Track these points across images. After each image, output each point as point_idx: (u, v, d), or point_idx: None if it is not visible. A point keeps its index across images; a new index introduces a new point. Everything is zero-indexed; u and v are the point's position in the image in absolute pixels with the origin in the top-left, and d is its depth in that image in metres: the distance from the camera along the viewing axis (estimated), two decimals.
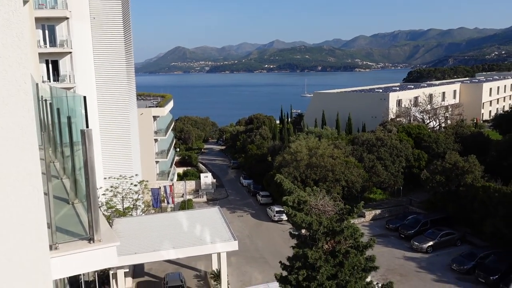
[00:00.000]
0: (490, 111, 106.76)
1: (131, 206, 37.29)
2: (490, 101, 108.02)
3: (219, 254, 29.22)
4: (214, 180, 63.71)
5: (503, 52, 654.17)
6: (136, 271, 33.38)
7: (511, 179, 39.88)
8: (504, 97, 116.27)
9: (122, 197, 37.12)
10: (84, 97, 4.33)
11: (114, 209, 34.97)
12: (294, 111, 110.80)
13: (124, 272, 28.39)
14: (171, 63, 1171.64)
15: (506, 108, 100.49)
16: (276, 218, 47.25)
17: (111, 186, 36.75)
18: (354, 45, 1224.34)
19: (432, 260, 36.63)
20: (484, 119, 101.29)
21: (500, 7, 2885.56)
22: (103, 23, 38.91)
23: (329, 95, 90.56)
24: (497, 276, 31.71)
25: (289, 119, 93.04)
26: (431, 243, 38.18)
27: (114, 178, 37.79)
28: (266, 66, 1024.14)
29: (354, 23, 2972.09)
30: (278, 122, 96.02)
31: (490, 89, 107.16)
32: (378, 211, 47.71)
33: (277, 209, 47.51)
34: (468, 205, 40.18)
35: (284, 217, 46.74)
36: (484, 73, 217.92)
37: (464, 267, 33.84)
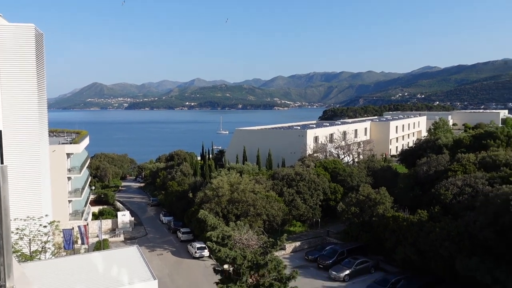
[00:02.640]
0: (396, 147, 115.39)
1: (40, 249, 34.44)
2: (397, 138, 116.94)
3: None
4: (132, 219, 61.29)
5: (406, 93, 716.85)
6: None
7: (417, 208, 42.90)
8: (408, 134, 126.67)
9: (30, 239, 34.23)
10: (0, 132, 4.08)
11: (19, 253, 32.06)
12: (216, 147, 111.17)
13: None
14: (87, 99, 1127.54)
15: (411, 144, 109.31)
16: (197, 255, 46.25)
17: (17, 229, 33.80)
18: (273, 84, 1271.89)
19: None
20: (392, 154, 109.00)
21: (402, 54, 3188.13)
22: (14, 55, 36.81)
23: (250, 132, 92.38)
24: None
25: (211, 155, 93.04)
26: (347, 271, 39.52)
27: (21, 219, 34.85)
28: (187, 103, 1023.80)
29: (273, 64, 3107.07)
30: (199, 158, 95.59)
31: (396, 127, 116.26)
32: (298, 243, 48.61)
33: (198, 245, 46.63)
34: (380, 234, 42.40)
35: (206, 253, 45.98)
36: (390, 112, 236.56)
37: None
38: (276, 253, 38.84)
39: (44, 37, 42.21)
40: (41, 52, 40.66)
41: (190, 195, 57.76)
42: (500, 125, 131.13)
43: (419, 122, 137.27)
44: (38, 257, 34.07)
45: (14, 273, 4.03)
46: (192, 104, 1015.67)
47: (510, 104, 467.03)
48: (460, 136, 73.90)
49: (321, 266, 42.12)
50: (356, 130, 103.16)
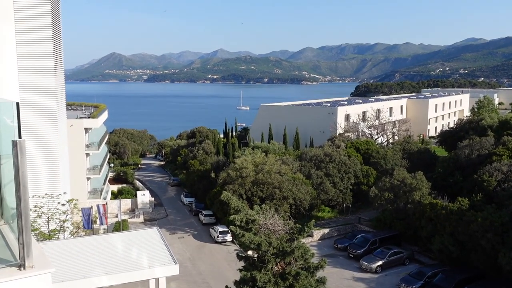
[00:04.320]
0: (436, 127, 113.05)
1: (58, 228, 35.49)
2: (436, 117, 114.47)
3: (157, 280, 28.40)
4: (152, 199, 62.37)
5: (447, 68, 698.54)
6: None
7: (457, 195, 42.16)
8: (449, 114, 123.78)
9: (48, 218, 35.28)
10: (17, 104, 4.06)
11: (38, 231, 33.12)
12: (240, 124, 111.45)
13: None
14: (105, 70, 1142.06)
15: (451, 125, 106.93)
16: (220, 239, 46.83)
17: (35, 206, 34.83)
18: (301, 57, 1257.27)
19: (381, 281, 37.75)
20: (430, 135, 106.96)
21: (443, 24, 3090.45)
22: (30, 24, 37.27)
23: (276, 108, 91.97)
24: None
25: (234, 133, 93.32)
26: (380, 262, 39.38)
27: (39, 196, 35.86)
28: (210, 76, 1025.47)
29: (301, 34, 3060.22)
30: (222, 136, 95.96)
31: (436, 105, 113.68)
32: (326, 230, 48.61)
33: (221, 229, 47.14)
34: (416, 223, 41.98)
35: (229, 237, 46.48)
36: (429, 89, 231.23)
37: (413, 287, 35.14)
38: (303, 240, 38.92)
39: (60, 2, 42.53)
40: (57, 17, 40.98)
41: (213, 175, 58.18)
42: None
43: (461, 100, 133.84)
44: (57, 236, 35.13)
45: (33, 252, 4.06)
46: (215, 77, 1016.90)
47: None
48: (507, 117, 71.70)
49: (351, 256, 42.11)
50: (391, 108, 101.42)
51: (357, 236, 44.49)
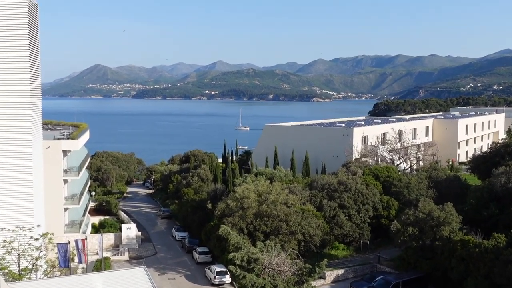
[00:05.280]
0: (466, 152, 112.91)
1: (30, 267, 35.34)
2: (467, 140, 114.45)
3: None
4: (139, 233, 62.12)
5: (479, 84, 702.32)
6: None
7: (492, 231, 41.82)
8: (482, 136, 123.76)
9: (19, 254, 35.17)
10: None
11: (6, 270, 32.98)
12: (241, 147, 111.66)
13: None
14: (87, 84, 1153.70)
15: (485, 149, 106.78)
16: (217, 281, 46.38)
17: (4, 241, 34.79)
18: (311, 70, 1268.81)
19: None
20: (460, 160, 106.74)
21: (474, 34, 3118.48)
22: (4, 32, 37.81)
23: (283, 129, 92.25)
24: None
25: (234, 157, 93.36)
26: None
27: (9, 230, 35.84)
28: (207, 92, 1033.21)
29: (312, 45, 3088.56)
30: (220, 160, 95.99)
31: (467, 126, 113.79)
32: (341, 271, 48.13)
33: (218, 269, 46.73)
34: (445, 262, 41.54)
35: (227, 279, 46.02)
36: (459, 107, 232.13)
37: None
38: (314, 283, 38.71)
39: (38, 8, 43.23)
40: (35, 26, 41.57)
41: (209, 206, 57.97)
42: None
43: (495, 120, 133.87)
44: (28, 276, 34.93)
45: None
46: (213, 92, 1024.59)
47: None
48: None
49: None
50: (415, 129, 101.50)
51: (377, 278, 44.00)
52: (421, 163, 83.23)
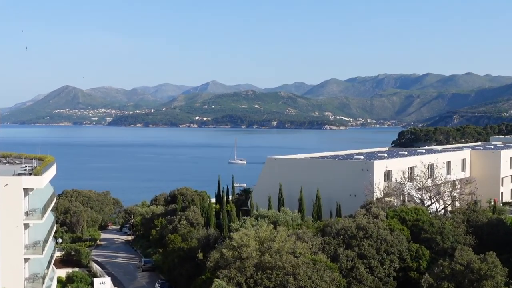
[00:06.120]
0: (511, 190, 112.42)
1: None
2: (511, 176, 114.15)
3: None
4: None
5: None
6: None
7: None
8: None
9: None
10: None
11: None
12: (238, 185, 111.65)
13: None
14: (54, 110, 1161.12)
15: None
16: None
17: None
18: (323, 92, 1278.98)
19: None
20: (504, 200, 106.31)
21: None
22: None
23: (289, 162, 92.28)
24: None
25: (231, 196, 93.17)
26: None
27: None
28: (197, 118, 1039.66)
29: (324, 61, 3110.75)
30: (214, 201, 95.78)
31: (511, 158, 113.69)
32: None
33: None
34: None
35: None
36: (501, 136, 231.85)
37: None
38: None
39: None
40: None
41: (200, 255, 57.71)
42: None
43: None
44: None
45: None
46: (205, 119, 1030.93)
47: None
48: None
49: None
50: (449, 163, 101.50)
51: None
52: (456, 203, 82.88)
